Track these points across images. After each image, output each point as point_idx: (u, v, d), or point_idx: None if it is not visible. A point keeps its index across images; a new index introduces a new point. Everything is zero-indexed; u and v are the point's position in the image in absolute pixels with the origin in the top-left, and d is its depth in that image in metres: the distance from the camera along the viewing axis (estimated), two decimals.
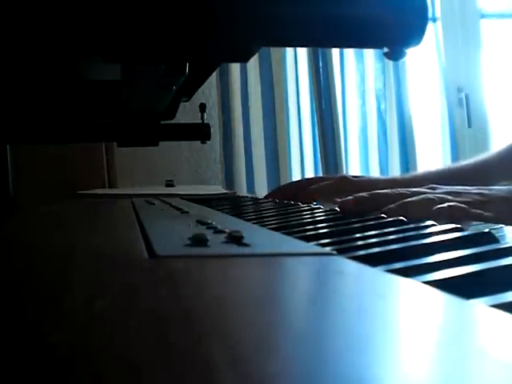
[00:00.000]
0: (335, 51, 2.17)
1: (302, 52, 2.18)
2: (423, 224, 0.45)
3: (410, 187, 0.64)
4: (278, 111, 2.19)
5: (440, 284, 0.24)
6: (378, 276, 0.24)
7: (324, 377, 0.12)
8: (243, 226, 0.42)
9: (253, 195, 1.05)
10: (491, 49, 2.30)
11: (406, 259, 0.31)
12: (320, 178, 0.96)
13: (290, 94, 2.21)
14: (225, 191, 1.22)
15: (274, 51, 2.16)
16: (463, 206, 0.55)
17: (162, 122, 0.80)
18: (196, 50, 0.35)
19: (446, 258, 0.31)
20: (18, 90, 0.64)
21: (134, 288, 0.22)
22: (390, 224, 0.48)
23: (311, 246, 0.33)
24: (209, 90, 2.14)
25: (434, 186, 0.63)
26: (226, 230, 0.34)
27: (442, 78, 2.28)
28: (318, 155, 2.17)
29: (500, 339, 0.16)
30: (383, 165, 2.21)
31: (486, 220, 0.55)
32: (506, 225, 0.52)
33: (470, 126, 2.26)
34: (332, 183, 0.86)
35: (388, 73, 2.20)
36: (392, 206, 0.57)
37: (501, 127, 2.22)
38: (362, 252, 0.34)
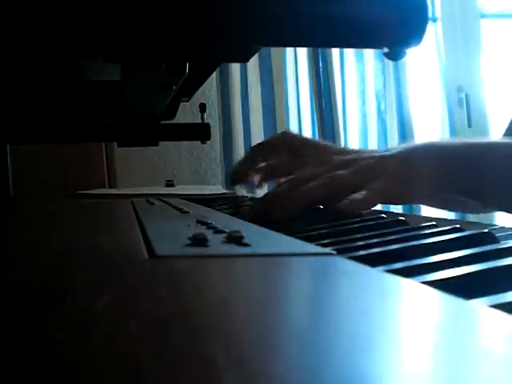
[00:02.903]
0: (335, 51, 2.17)
1: (302, 52, 2.18)
2: (423, 224, 0.45)
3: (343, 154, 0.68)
4: (278, 111, 2.19)
5: (440, 284, 0.24)
6: (377, 276, 0.24)
7: (324, 377, 0.12)
8: (243, 226, 0.42)
9: (252, 195, 1.05)
10: (491, 49, 2.30)
11: (405, 259, 0.31)
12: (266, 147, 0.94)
13: (290, 94, 2.21)
14: (225, 191, 1.22)
15: (274, 51, 2.16)
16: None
17: (162, 122, 0.80)
18: (196, 49, 0.35)
19: (445, 259, 0.31)
20: (18, 90, 0.64)
21: (133, 288, 0.22)
22: (390, 224, 0.48)
23: (311, 246, 0.33)
24: (209, 90, 2.14)
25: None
26: (226, 230, 0.34)
27: (441, 77, 2.28)
28: None
29: (500, 339, 0.16)
30: None
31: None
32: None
33: (470, 126, 2.26)
34: (270, 139, 0.89)
35: (388, 73, 2.20)
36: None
37: (501, 127, 2.22)
38: (361, 252, 0.34)
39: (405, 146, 0.63)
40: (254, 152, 0.87)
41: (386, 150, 0.64)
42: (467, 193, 0.60)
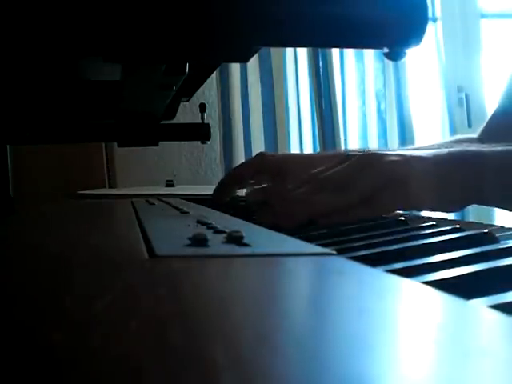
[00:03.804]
0: (335, 51, 2.17)
1: (302, 52, 2.18)
2: (423, 224, 0.45)
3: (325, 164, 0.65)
4: (278, 111, 2.19)
5: (440, 284, 0.24)
6: (377, 276, 0.24)
7: (324, 377, 0.12)
8: (243, 226, 0.42)
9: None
10: (491, 49, 2.30)
11: (405, 259, 0.31)
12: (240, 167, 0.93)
13: (290, 94, 2.21)
14: None
15: (274, 51, 2.16)
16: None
17: (161, 122, 0.80)
18: (196, 49, 0.35)
19: (445, 259, 0.31)
20: (18, 90, 0.64)
21: (133, 288, 0.22)
22: (390, 224, 0.48)
23: (311, 246, 0.33)
24: (209, 90, 2.14)
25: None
26: (226, 230, 0.34)
27: (442, 77, 2.28)
28: None
29: (499, 340, 0.16)
30: None
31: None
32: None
33: (469, 126, 2.26)
34: (248, 164, 0.85)
35: (388, 73, 2.20)
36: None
37: None
38: (361, 252, 0.34)
39: (428, 150, 0.59)
40: (230, 178, 0.86)
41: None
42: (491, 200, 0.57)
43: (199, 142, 0.86)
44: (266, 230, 0.40)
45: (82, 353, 0.14)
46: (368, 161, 0.56)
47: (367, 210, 0.54)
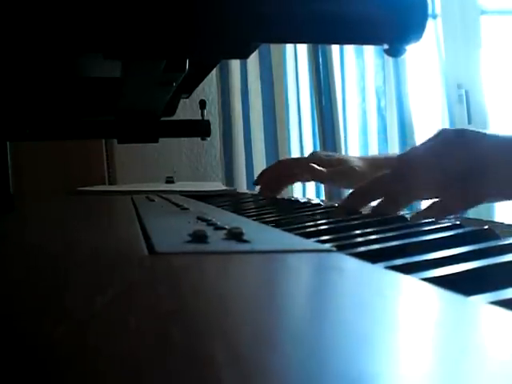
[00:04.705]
0: (335, 48, 2.16)
1: (302, 48, 2.18)
2: (422, 221, 0.45)
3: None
4: (277, 108, 2.19)
5: (440, 281, 0.24)
6: (377, 273, 0.24)
7: (323, 374, 0.13)
8: (243, 223, 0.42)
9: (253, 192, 1.05)
10: (491, 45, 2.30)
11: (405, 256, 0.31)
12: (294, 159, 1.01)
13: (290, 91, 2.21)
14: (225, 188, 1.22)
15: (274, 48, 2.16)
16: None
17: (161, 119, 0.79)
18: (196, 46, 0.35)
19: (445, 255, 0.31)
20: (18, 87, 0.64)
21: (133, 285, 0.22)
22: (390, 221, 0.48)
23: (311, 243, 0.33)
24: (209, 86, 2.14)
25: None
26: (226, 227, 0.34)
27: (442, 74, 2.28)
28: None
29: (499, 336, 0.16)
30: None
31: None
32: None
33: (470, 123, 2.26)
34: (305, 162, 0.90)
35: (388, 69, 2.20)
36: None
37: (501, 124, 2.22)
38: (361, 249, 0.34)
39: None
40: (280, 163, 0.92)
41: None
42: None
43: (199, 139, 0.86)
44: (267, 226, 0.40)
45: (81, 350, 0.14)
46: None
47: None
